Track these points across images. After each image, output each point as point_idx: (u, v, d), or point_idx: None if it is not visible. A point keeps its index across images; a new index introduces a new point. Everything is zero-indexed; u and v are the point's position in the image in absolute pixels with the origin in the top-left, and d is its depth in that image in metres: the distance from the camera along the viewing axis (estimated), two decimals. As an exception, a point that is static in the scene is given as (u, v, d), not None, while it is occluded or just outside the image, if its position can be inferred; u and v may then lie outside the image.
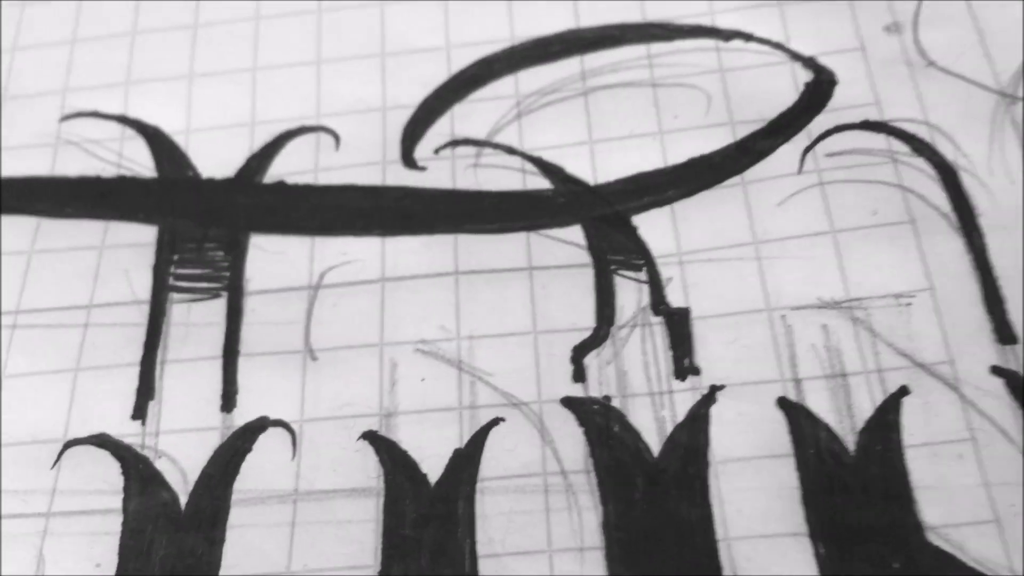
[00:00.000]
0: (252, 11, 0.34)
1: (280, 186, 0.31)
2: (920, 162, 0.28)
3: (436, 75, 0.32)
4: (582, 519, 0.25)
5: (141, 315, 0.29)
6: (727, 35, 0.31)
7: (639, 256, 0.28)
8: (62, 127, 0.33)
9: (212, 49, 0.34)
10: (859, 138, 0.29)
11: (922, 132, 0.29)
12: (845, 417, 0.25)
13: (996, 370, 0.25)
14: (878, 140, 0.29)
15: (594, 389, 0.26)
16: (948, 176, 0.28)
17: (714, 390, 0.26)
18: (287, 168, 0.31)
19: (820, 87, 0.30)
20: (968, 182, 0.28)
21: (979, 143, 0.28)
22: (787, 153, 0.29)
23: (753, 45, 0.31)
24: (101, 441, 0.27)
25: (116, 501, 0.26)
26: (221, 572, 0.25)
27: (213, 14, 0.34)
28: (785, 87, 0.30)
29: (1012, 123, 0.29)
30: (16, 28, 0.35)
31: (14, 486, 0.27)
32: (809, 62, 0.30)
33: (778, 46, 0.31)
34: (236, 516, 0.26)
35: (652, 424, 0.26)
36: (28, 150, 0.33)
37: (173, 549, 0.25)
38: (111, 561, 0.25)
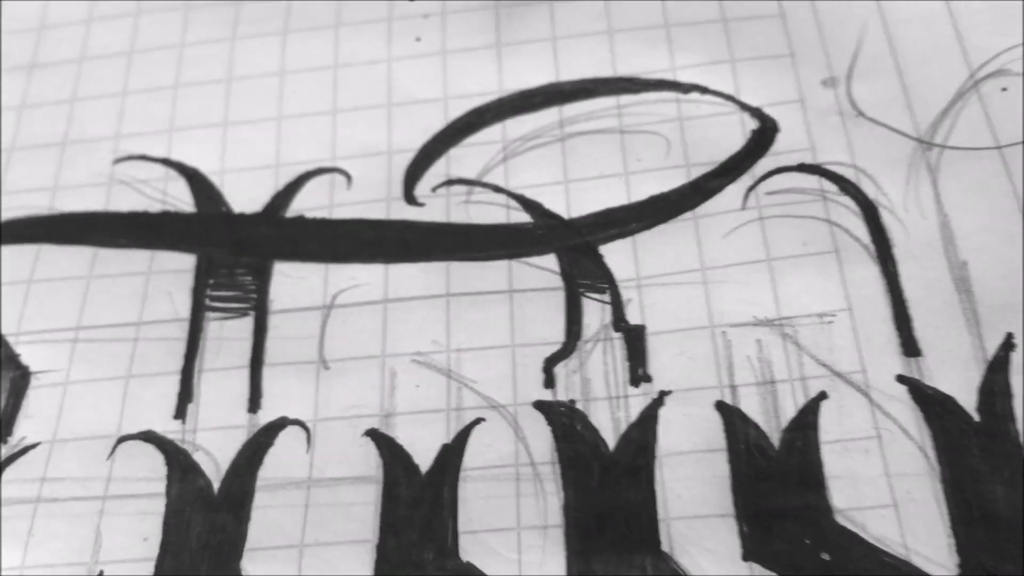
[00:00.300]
0: (277, 68, 0.40)
1: (300, 220, 0.36)
2: (846, 200, 0.33)
3: (434, 123, 0.37)
4: (547, 502, 0.29)
5: (182, 331, 0.34)
6: (686, 88, 0.36)
7: (604, 280, 0.33)
8: (115, 169, 0.38)
9: (243, 101, 0.39)
10: (795, 179, 0.33)
11: (849, 174, 0.33)
12: (772, 418, 0.30)
13: (901, 379, 0.30)
14: (811, 181, 0.33)
15: (561, 394, 0.31)
16: (869, 212, 0.32)
17: (662, 395, 0.31)
18: (306, 204, 0.36)
19: (764, 134, 0.35)
20: (887, 217, 0.32)
21: (897, 184, 0.33)
22: (733, 192, 0.34)
23: (708, 97, 0.36)
24: (148, 437, 0.32)
25: (161, 487, 0.31)
26: (247, 545, 0.30)
27: (244, 71, 0.40)
28: (734, 134, 0.35)
29: (927, 166, 0.33)
30: (75, 82, 0.41)
31: (76, 474, 0.32)
32: (756, 112, 0.35)
33: (729, 98, 0.35)
34: (260, 499, 0.31)
35: (610, 424, 0.30)
36: (86, 188, 0.38)
37: (207, 526, 0.30)
38: (156, 536, 0.30)
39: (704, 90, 0.36)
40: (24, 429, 0.33)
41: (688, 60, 0.36)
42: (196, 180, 0.37)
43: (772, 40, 0.36)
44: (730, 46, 0.36)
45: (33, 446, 0.32)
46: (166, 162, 0.38)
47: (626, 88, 0.36)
